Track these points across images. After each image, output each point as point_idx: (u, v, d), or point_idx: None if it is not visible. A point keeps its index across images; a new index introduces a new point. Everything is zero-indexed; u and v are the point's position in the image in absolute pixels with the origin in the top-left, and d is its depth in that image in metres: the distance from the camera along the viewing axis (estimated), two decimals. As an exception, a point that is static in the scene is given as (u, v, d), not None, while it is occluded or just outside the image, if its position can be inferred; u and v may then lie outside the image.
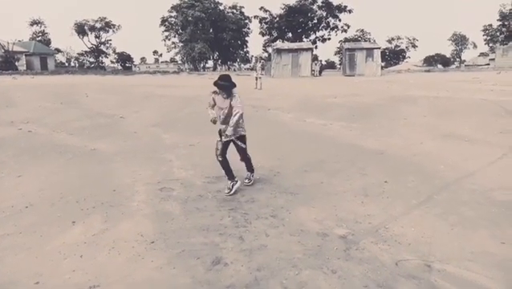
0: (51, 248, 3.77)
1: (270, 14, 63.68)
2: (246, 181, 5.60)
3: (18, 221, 4.37)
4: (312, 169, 6.39)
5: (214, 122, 5.33)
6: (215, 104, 5.37)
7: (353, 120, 11.06)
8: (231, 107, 5.15)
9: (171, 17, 63.37)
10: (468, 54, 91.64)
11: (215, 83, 5.19)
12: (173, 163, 6.81)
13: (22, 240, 3.95)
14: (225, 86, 5.13)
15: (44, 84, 20.68)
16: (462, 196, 5.07)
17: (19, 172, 6.22)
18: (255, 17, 64.51)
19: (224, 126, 5.26)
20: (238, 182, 5.33)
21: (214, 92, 5.33)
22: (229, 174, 5.28)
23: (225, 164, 5.26)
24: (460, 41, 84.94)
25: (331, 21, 63.60)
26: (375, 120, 10.98)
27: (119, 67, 74.50)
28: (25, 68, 45.61)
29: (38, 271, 3.35)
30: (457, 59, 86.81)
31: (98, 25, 70.38)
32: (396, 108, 12.63)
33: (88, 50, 73.17)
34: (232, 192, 5.19)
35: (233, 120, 5.05)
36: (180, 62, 70.92)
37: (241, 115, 5.12)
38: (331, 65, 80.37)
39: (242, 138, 5.36)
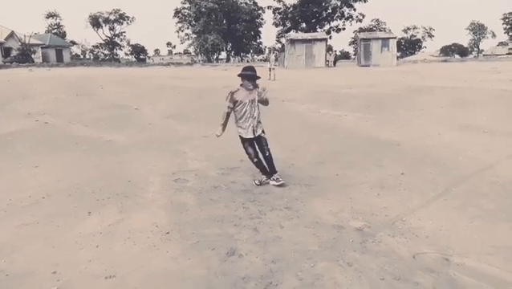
0: (68, 238, 3.81)
1: (284, 5, 63.03)
2: (281, 180, 5.20)
3: (36, 212, 4.43)
4: (327, 161, 6.32)
5: (218, 136, 5.23)
6: (235, 106, 5.10)
7: (369, 111, 10.91)
8: (258, 97, 5.10)
9: (184, 8, 63.30)
10: (486, 44, 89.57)
11: (241, 75, 5.07)
12: (188, 154, 6.82)
13: (40, 230, 4.00)
14: (253, 76, 5.02)
15: (60, 76, 20.92)
16: (482, 188, 4.95)
17: (36, 163, 6.31)
18: (268, 7, 63.97)
19: (251, 121, 5.11)
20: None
21: (232, 93, 5.09)
22: (265, 170, 5.21)
23: (262, 162, 5.22)
24: (478, 30, 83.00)
25: (346, 10, 62.65)
26: (391, 111, 10.80)
27: (134, 59, 74.91)
28: (41, 60, 46.20)
29: (56, 261, 3.38)
30: (475, 49, 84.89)
31: (112, 17, 70.80)
32: (413, 99, 12.40)
33: (103, 42, 73.79)
34: (282, 181, 5.12)
35: (266, 96, 5.08)
36: (193, 53, 70.97)
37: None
38: (345, 55, 79.44)
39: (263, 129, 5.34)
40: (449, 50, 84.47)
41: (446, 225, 3.95)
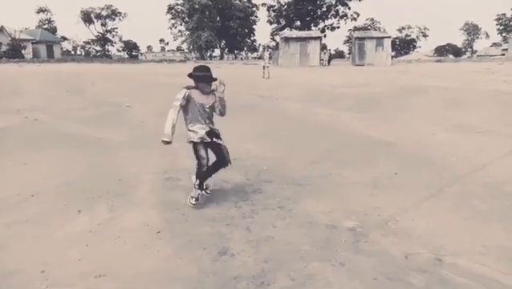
0: (57, 237, 3.75)
1: (278, 2, 63.14)
2: (193, 202, 4.42)
3: (24, 210, 4.35)
4: (320, 160, 6.31)
5: (167, 143, 4.30)
6: (187, 105, 4.32)
7: (363, 111, 10.93)
8: (214, 104, 4.40)
9: (177, 4, 63.11)
10: (480, 44, 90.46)
11: (192, 76, 4.32)
12: (180, 152, 6.74)
13: (29, 228, 3.93)
14: (208, 76, 4.29)
15: (50, 72, 20.72)
16: (474, 188, 4.96)
17: (25, 161, 6.21)
18: (263, 5, 64.09)
19: (204, 126, 4.38)
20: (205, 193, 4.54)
21: (188, 88, 4.33)
22: (203, 183, 4.50)
23: (208, 174, 4.48)
24: (472, 30, 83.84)
25: (341, 9, 62.97)
26: (385, 111, 10.84)
27: (126, 56, 74.44)
28: (31, 56, 45.79)
29: (45, 260, 3.32)
30: (469, 49, 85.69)
31: (104, 13, 70.33)
32: (407, 99, 12.46)
33: (94, 38, 73.20)
34: (198, 202, 4.41)
35: (224, 110, 4.44)
36: (186, 50, 70.67)
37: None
38: (339, 54, 79.70)
39: (219, 135, 4.56)
40: (443, 51, 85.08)
41: (439, 226, 3.95)
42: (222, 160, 4.47)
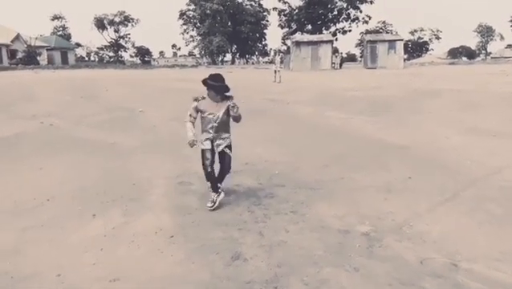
0: (72, 241, 3.79)
1: (289, 6, 63.08)
2: (209, 204, 4.49)
3: (40, 214, 4.42)
4: (333, 164, 6.27)
5: (192, 145, 4.56)
6: (196, 116, 4.66)
7: (375, 114, 10.85)
8: (227, 114, 4.52)
9: (189, 10, 63.60)
10: (494, 46, 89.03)
11: (204, 82, 4.46)
12: (192, 157, 6.78)
13: (44, 232, 3.99)
14: (218, 87, 4.41)
15: (65, 78, 21.06)
16: (490, 192, 4.88)
17: (41, 165, 6.31)
18: (274, 9, 64.10)
19: (215, 135, 4.58)
20: (222, 194, 4.62)
21: (197, 100, 4.59)
22: (215, 186, 4.58)
23: (213, 175, 4.62)
24: (486, 32, 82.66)
25: (352, 12, 62.62)
26: (397, 114, 10.74)
27: (138, 61, 75.23)
28: (46, 63, 46.55)
29: (60, 264, 3.37)
30: (483, 51, 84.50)
31: (117, 19, 71.25)
32: (420, 102, 12.33)
33: (108, 44, 74.17)
34: (216, 205, 4.48)
35: (237, 120, 4.55)
36: (198, 55, 71.17)
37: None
38: (351, 58, 79.31)
39: (230, 146, 4.70)
40: (456, 53, 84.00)
41: (454, 230, 3.89)
42: (225, 169, 4.68)
